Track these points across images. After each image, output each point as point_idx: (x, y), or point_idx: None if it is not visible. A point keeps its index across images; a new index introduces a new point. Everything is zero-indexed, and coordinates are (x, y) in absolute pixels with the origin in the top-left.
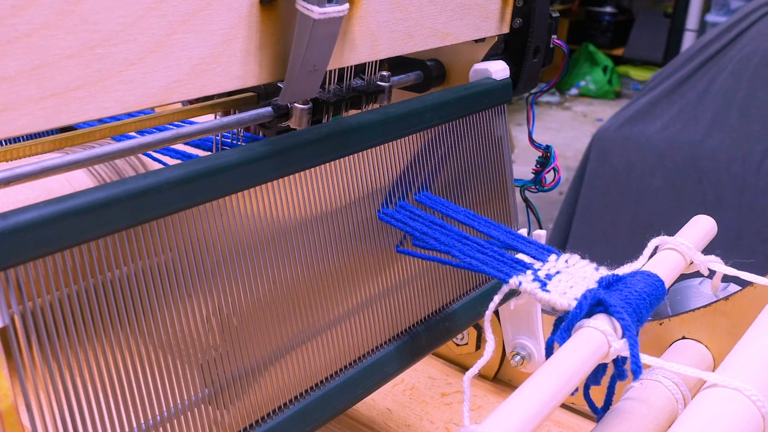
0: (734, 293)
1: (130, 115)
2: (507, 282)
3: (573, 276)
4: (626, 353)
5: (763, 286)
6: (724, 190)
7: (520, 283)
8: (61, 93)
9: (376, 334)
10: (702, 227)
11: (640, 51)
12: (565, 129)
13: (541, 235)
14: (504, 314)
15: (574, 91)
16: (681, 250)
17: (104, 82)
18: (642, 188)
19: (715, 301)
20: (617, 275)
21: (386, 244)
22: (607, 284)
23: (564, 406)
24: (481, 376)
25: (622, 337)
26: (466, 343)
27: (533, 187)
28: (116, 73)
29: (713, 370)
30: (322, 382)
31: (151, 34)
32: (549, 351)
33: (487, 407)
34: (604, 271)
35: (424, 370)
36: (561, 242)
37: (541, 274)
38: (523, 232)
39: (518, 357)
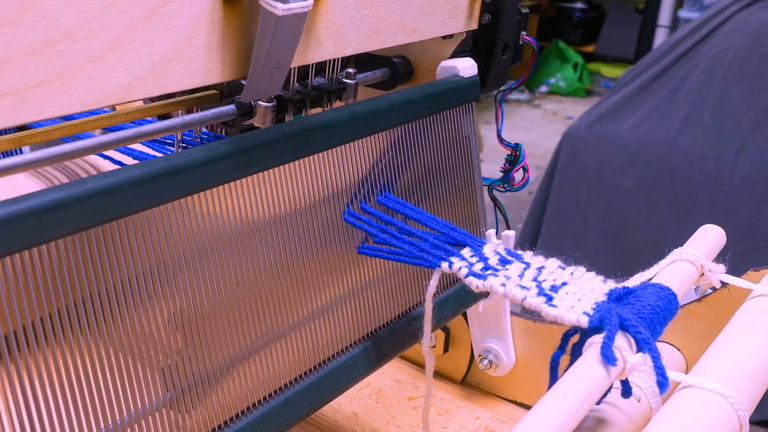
0: (708, 295)
1: (90, 113)
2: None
3: (580, 288)
4: (643, 369)
5: (737, 288)
6: (697, 189)
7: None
8: (20, 90)
9: (341, 337)
10: (711, 237)
11: (612, 48)
12: (534, 127)
13: (509, 235)
14: (472, 317)
15: (544, 88)
16: (693, 261)
17: (64, 80)
18: (613, 187)
19: (688, 303)
20: (628, 288)
21: (351, 246)
22: (617, 297)
23: (527, 406)
24: (448, 379)
25: (637, 352)
26: (434, 346)
27: (501, 185)
28: (76, 70)
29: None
30: (286, 385)
31: (112, 31)
32: (554, 366)
33: (455, 411)
34: (612, 284)
35: (391, 374)
36: (531, 242)
37: (546, 285)
38: (491, 232)
39: (486, 360)
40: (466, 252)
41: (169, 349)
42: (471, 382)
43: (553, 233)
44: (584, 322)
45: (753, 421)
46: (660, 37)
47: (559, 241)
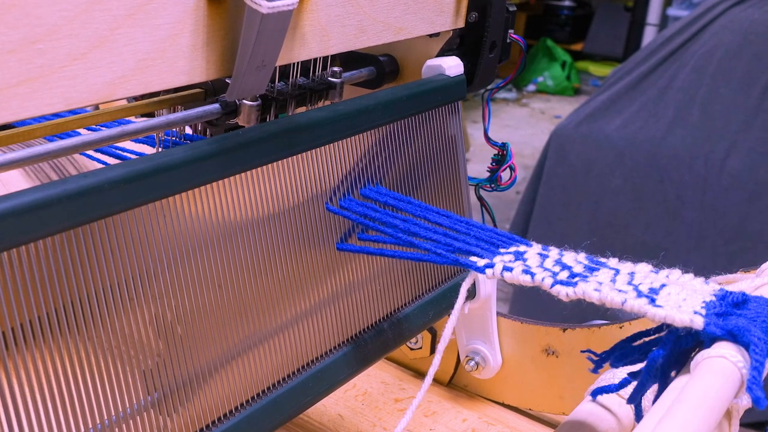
0: None
1: (73, 112)
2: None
3: (683, 288)
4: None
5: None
6: (686, 190)
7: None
8: (1, 89)
9: (326, 339)
10: None
11: (600, 46)
12: (522, 126)
13: None
14: (458, 318)
15: (531, 87)
16: None
17: (46, 78)
18: (601, 187)
19: None
20: (745, 294)
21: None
22: (733, 303)
23: (521, 411)
24: (435, 381)
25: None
26: (420, 348)
27: (488, 185)
28: (58, 68)
29: None
30: (270, 388)
31: (95, 29)
32: (649, 371)
33: (441, 413)
34: (714, 285)
35: (377, 375)
36: None
37: (644, 288)
38: None
39: (473, 362)
40: (548, 262)
41: (153, 351)
42: (458, 384)
43: (540, 233)
44: (699, 323)
45: (743, 423)
46: (649, 35)
47: (547, 241)
